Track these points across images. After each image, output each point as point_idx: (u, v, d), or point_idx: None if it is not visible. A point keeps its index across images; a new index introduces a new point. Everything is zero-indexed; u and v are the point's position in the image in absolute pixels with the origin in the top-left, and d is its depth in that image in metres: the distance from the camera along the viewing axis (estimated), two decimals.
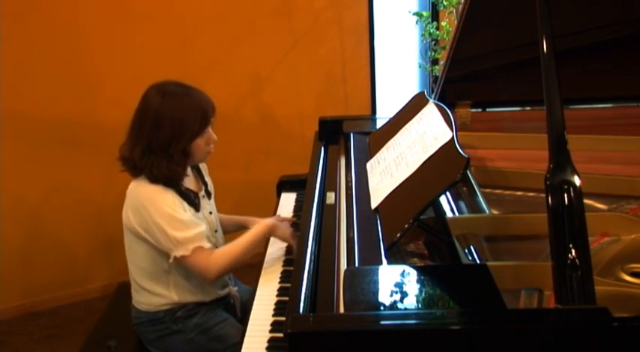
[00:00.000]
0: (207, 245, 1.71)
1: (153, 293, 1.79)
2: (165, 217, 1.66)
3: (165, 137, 1.67)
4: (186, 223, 1.67)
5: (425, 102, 1.74)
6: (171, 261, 1.69)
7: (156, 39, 3.02)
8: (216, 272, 1.72)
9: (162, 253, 1.72)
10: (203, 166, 1.94)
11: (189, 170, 1.83)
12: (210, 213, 1.87)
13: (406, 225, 1.27)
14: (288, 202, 2.20)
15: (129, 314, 1.89)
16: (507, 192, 1.72)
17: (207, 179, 1.93)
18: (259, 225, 1.82)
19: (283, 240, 1.84)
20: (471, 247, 1.36)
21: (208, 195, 1.89)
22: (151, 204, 1.67)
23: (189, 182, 1.81)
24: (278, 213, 2.12)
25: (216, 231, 1.89)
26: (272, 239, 1.92)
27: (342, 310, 1.11)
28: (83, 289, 3.16)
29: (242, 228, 2.08)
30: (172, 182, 1.71)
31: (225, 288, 1.91)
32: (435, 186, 1.33)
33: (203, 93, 1.74)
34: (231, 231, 2.06)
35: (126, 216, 1.73)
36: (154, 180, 1.69)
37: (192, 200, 1.76)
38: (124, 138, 1.75)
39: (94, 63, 2.94)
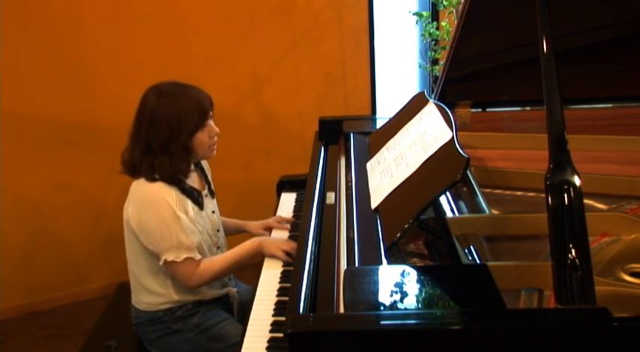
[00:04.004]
0: (197, 256, 1.72)
1: (152, 292, 1.79)
2: (162, 219, 1.66)
3: (163, 136, 1.67)
4: (183, 229, 1.68)
5: (425, 102, 1.74)
6: (161, 263, 1.70)
7: (156, 39, 3.02)
8: (197, 284, 1.76)
9: None
10: (206, 166, 1.95)
11: (192, 168, 1.83)
12: (213, 212, 1.88)
13: (406, 225, 1.27)
14: (288, 202, 2.20)
15: (129, 314, 1.89)
16: (507, 192, 1.71)
17: (210, 179, 1.94)
18: (248, 243, 1.81)
19: (274, 255, 1.77)
20: (471, 247, 1.36)
21: (212, 194, 1.90)
22: (151, 204, 1.67)
23: (193, 180, 1.82)
24: (278, 213, 2.12)
25: (218, 230, 1.89)
26: (273, 234, 1.93)
27: (342, 310, 1.11)
28: (83, 289, 3.16)
29: (240, 231, 2.10)
30: (176, 179, 1.71)
31: (224, 288, 1.92)
32: (435, 186, 1.33)
33: (200, 90, 1.75)
34: (230, 234, 2.07)
35: (126, 213, 1.74)
36: (153, 179, 1.69)
37: (195, 198, 1.77)
38: (124, 139, 1.75)
39: (94, 63, 2.94)
